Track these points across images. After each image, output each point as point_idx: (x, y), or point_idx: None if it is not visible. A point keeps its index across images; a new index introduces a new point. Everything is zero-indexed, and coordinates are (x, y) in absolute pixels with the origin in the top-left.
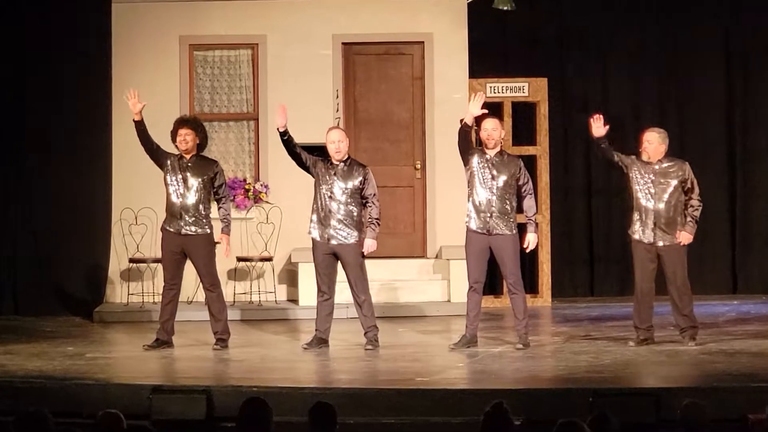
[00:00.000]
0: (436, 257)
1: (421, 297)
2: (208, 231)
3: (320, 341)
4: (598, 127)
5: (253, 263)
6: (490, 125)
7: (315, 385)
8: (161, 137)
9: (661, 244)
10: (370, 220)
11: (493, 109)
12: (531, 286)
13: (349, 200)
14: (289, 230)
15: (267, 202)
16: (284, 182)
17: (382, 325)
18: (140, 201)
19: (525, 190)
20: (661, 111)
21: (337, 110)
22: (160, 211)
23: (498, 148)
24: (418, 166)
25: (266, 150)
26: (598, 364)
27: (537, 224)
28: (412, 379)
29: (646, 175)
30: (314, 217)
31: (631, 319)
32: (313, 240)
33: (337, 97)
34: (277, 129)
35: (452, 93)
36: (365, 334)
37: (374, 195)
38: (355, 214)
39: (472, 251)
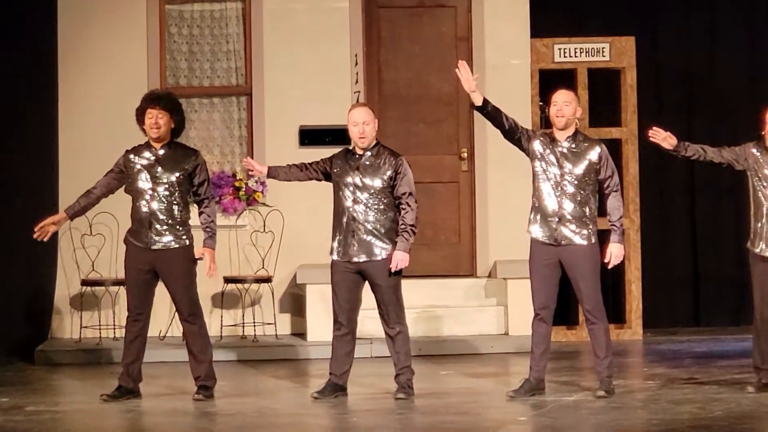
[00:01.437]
0: (489, 276)
1: (469, 329)
2: (187, 243)
3: (336, 388)
4: (663, 139)
5: (247, 285)
6: (561, 97)
7: None
8: (125, 124)
9: None
10: (402, 227)
11: (564, 78)
12: (616, 313)
13: (378, 202)
14: (294, 241)
15: (264, 204)
16: None
17: (418, 367)
18: (95, 208)
19: (608, 186)
20: None
21: (356, 82)
22: (123, 217)
23: (572, 130)
24: (465, 155)
25: (262, 135)
26: (705, 417)
27: (623, 231)
28: None
29: None
30: (335, 233)
31: (749, 356)
32: (334, 263)
33: (356, 64)
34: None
35: (509, 58)
36: (396, 377)
37: (409, 194)
38: (388, 220)
39: (538, 268)
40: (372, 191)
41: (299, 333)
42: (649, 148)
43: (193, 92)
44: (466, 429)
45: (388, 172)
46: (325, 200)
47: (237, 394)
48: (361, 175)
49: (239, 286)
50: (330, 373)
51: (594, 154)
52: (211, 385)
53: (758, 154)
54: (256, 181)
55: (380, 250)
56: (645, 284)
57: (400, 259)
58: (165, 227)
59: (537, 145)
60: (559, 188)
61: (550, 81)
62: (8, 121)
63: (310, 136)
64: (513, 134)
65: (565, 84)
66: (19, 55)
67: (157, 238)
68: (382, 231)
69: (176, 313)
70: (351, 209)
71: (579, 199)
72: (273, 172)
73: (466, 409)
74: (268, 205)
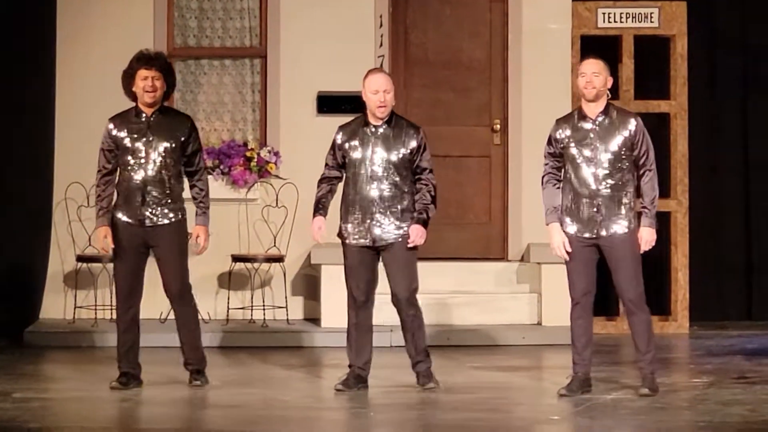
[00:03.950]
0: (522, 260)
1: (499, 317)
2: (180, 217)
3: (358, 380)
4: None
5: (257, 265)
6: (589, 68)
7: None
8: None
9: None
10: (425, 202)
11: (608, 46)
12: (660, 304)
13: (396, 178)
14: (309, 218)
15: (277, 176)
16: (302, 148)
17: (442, 360)
18: (94, 173)
19: (643, 164)
20: None
21: (380, 45)
22: None
23: (603, 103)
24: (498, 128)
25: (277, 101)
26: (756, 420)
27: (655, 215)
28: None
29: None
30: (347, 215)
31: None
32: (346, 246)
33: (381, 26)
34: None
35: (548, 22)
36: (414, 367)
37: (430, 170)
38: (406, 198)
39: (575, 251)
40: (390, 166)
41: (313, 318)
42: (701, 123)
43: (203, 53)
44: (494, 428)
45: (411, 144)
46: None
47: (243, 383)
48: (380, 149)
49: (248, 265)
50: (350, 364)
51: (630, 127)
52: (203, 368)
53: None
54: (269, 151)
55: (398, 230)
56: (692, 273)
57: (417, 234)
58: (157, 201)
59: (560, 134)
60: (592, 174)
61: (592, 48)
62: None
63: (328, 104)
64: (558, 162)
65: (611, 52)
66: (16, 13)
67: (149, 213)
68: (400, 210)
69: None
70: (366, 186)
71: (615, 181)
72: (323, 212)
73: (494, 406)
74: (281, 178)
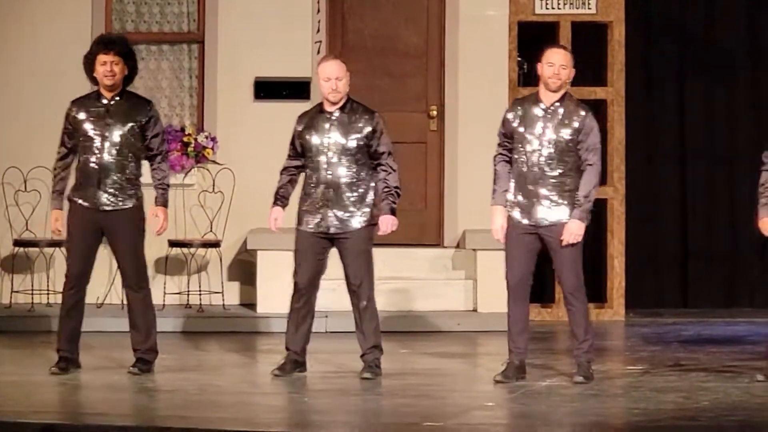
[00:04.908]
0: (457, 246)
1: (434, 304)
2: (138, 203)
3: (295, 365)
4: None
5: (193, 250)
6: (558, 58)
7: (278, 430)
8: (65, 76)
9: None
10: (387, 189)
11: (546, 32)
12: (596, 291)
13: (353, 164)
14: (245, 203)
15: (214, 162)
16: (239, 134)
17: None
18: (32, 157)
19: (585, 158)
20: None
21: (318, 31)
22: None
23: (561, 94)
24: (434, 114)
25: (214, 87)
26: (690, 408)
27: (588, 210)
28: (418, 424)
29: None
30: (304, 202)
31: (740, 342)
32: (299, 231)
33: (318, 11)
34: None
35: (485, 8)
36: (363, 356)
37: (389, 154)
38: (363, 184)
39: (514, 236)
40: (347, 152)
41: (249, 303)
42: (638, 110)
43: (141, 38)
44: (428, 414)
45: (367, 129)
46: (280, 160)
47: (179, 368)
48: (335, 135)
49: (185, 250)
50: (287, 349)
51: (578, 120)
52: (151, 359)
53: None
54: (206, 137)
55: (358, 219)
56: (628, 260)
57: (390, 223)
58: (115, 186)
59: (512, 115)
60: (537, 156)
61: (529, 35)
62: None
63: (265, 89)
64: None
65: (548, 39)
66: None
67: (105, 198)
68: (359, 196)
69: (115, 279)
70: (323, 173)
71: (559, 170)
72: (281, 203)
73: (429, 392)
74: (218, 163)
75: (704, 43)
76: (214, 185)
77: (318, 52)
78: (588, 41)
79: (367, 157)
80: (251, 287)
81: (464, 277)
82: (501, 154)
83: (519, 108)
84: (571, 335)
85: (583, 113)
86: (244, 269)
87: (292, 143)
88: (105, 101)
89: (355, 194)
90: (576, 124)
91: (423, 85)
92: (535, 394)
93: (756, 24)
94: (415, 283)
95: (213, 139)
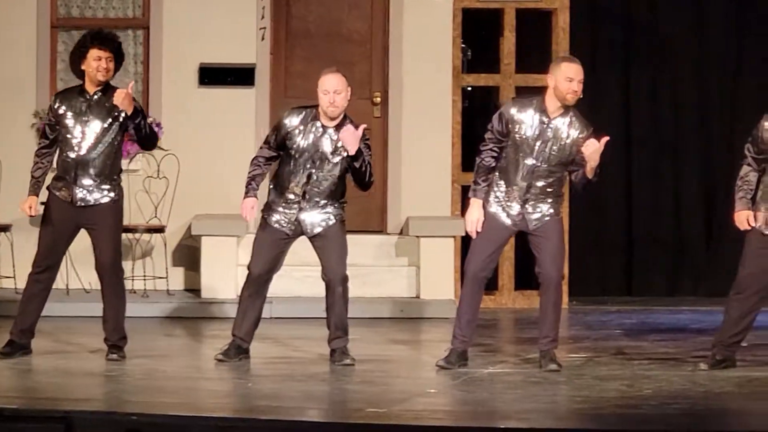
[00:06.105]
0: (401, 233)
1: (378, 290)
2: (116, 197)
3: (238, 350)
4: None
5: (138, 235)
6: (579, 74)
7: (222, 415)
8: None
9: None
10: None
11: (490, 19)
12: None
13: (335, 172)
14: (190, 189)
15: (159, 147)
16: (184, 120)
17: (319, 332)
18: None
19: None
20: (725, 31)
21: (262, 17)
22: (12, 148)
23: (566, 107)
24: (378, 100)
25: (159, 73)
26: (633, 396)
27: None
28: (362, 410)
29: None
30: (276, 198)
31: (684, 330)
32: (266, 224)
33: None
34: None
35: None
36: (331, 342)
37: (366, 146)
38: (339, 189)
39: (489, 232)
40: (331, 163)
41: (193, 289)
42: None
43: (86, 24)
44: (371, 401)
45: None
46: (225, 147)
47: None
48: (324, 147)
49: (129, 236)
50: (233, 334)
51: (578, 136)
52: (123, 345)
53: None
54: (152, 123)
55: (333, 218)
56: (572, 247)
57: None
58: (94, 181)
59: (516, 116)
60: (532, 161)
61: (473, 21)
62: None
63: (210, 75)
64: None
65: (490, 26)
66: None
67: (83, 195)
68: (337, 200)
69: (77, 266)
70: (303, 176)
71: (550, 178)
72: (255, 193)
73: (372, 378)
74: (163, 149)
75: (649, 31)
76: (158, 171)
77: (262, 39)
78: (533, 28)
79: (347, 165)
80: (195, 273)
81: (407, 264)
82: (491, 149)
83: (522, 111)
84: (541, 324)
85: (584, 130)
86: (188, 254)
87: (275, 134)
88: (87, 96)
89: (332, 198)
90: (576, 138)
91: (367, 71)
92: (478, 380)
93: (701, 11)
94: (359, 270)
95: (158, 125)
